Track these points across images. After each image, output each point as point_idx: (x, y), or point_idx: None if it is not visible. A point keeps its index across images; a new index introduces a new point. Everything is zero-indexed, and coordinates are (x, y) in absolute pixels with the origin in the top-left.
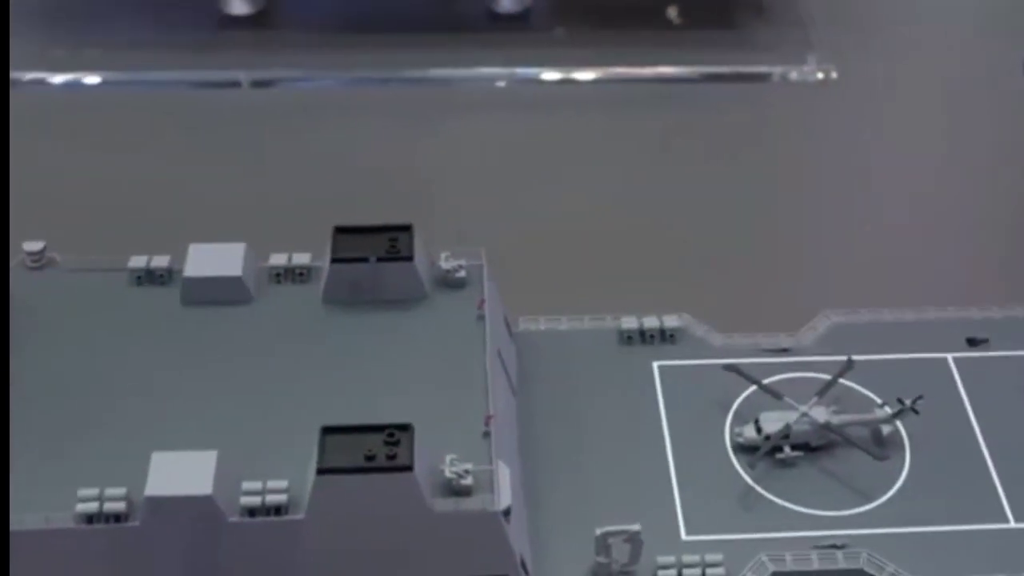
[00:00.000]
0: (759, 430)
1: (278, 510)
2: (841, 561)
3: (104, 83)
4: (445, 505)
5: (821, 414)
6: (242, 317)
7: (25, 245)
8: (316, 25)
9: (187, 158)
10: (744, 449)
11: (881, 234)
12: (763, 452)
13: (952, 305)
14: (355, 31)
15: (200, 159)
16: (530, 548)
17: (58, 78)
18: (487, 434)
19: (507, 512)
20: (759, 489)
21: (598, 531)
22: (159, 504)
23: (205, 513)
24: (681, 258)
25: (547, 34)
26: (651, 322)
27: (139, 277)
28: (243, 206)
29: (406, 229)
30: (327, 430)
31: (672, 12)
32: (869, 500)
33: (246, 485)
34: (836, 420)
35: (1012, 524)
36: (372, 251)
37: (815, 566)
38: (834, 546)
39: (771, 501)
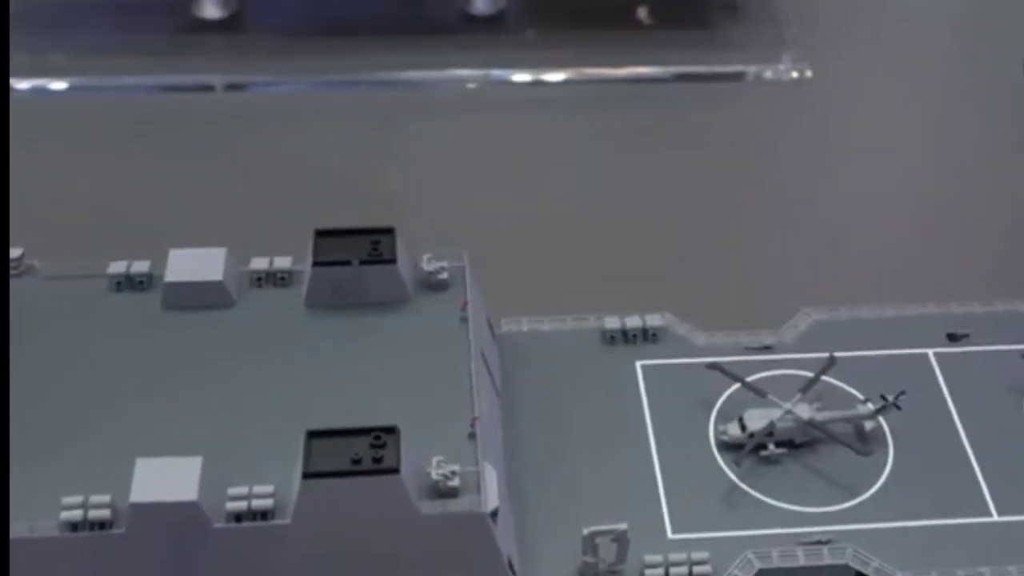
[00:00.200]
0: (743, 428)
1: (264, 515)
2: (827, 557)
3: (72, 88)
4: (432, 507)
5: (805, 411)
6: (224, 322)
7: None
8: (290, 28)
9: (163, 163)
10: (729, 447)
11: (860, 231)
12: (748, 450)
13: (932, 301)
14: (330, 34)
15: (176, 164)
16: (517, 549)
17: (24, 84)
18: (473, 435)
19: (494, 513)
20: (744, 487)
21: (585, 531)
22: (144, 511)
23: (191, 519)
24: (661, 258)
25: (522, 36)
26: (634, 322)
27: (119, 283)
28: (221, 210)
29: (388, 232)
30: (312, 434)
31: (643, 12)
32: (854, 496)
33: (232, 490)
34: (820, 417)
35: (995, 518)
36: (354, 254)
37: (801, 562)
38: (819, 542)
39: (756, 498)
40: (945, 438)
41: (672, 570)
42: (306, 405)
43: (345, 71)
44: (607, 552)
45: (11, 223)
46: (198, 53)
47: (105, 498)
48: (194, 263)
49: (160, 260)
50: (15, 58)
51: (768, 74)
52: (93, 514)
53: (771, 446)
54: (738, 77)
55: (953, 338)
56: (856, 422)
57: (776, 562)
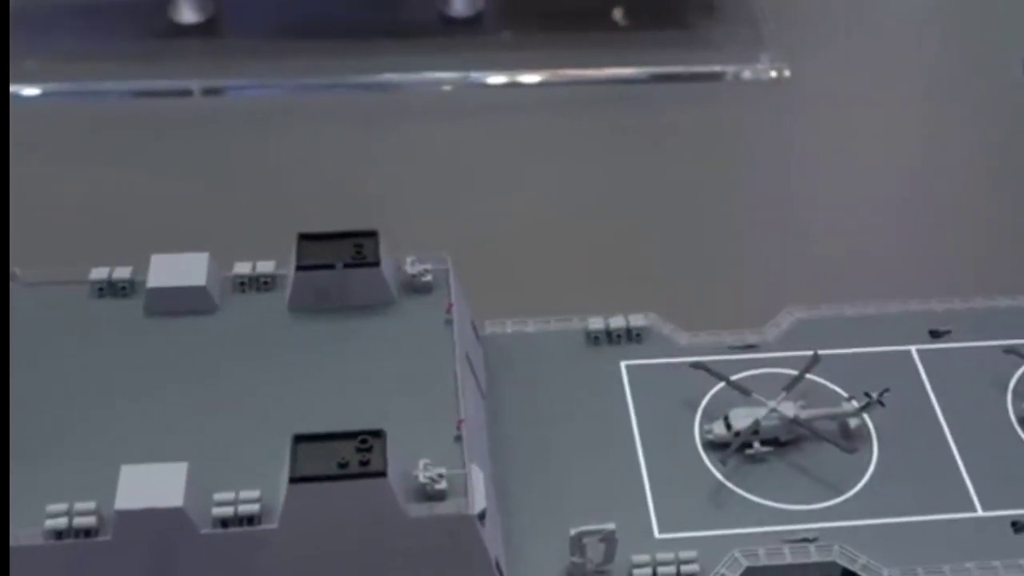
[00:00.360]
0: (728, 427)
1: (251, 520)
2: (814, 554)
3: (47, 94)
4: (419, 510)
5: (789, 409)
6: (207, 327)
7: None
8: (268, 32)
9: (142, 169)
10: (714, 446)
11: (841, 230)
12: (733, 448)
13: (914, 298)
14: (308, 37)
15: (155, 169)
16: (505, 550)
17: None
18: (459, 438)
19: (482, 515)
20: (730, 485)
21: (573, 531)
22: (130, 517)
23: (177, 525)
24: (643, 258)
25: (500, 38)
26: (617, 322)
27: (101, 289)
28: (202, 216)
29: (371, 235)
30: (298, 438)
31: (618, 14)
32: (839, 493)
33: (217, 496)
34: (804, 414)
35: (980, 512)
36: (338, 257)
37: (788, 560)
38: (806, 540)
39: (743, 497)
40: (929, 434)
41: (660, 570)
42: (291, 409)
43: (324, 74)
44: (595, 552)
45: None
46: (175, 58)
47: (90, 505)
48: (176, 268)
49: (142, 266)
50: None
51: (747, 74)
52: (78, 522)
53: (756, 444)
54: (716, 77)
55: (935, 335)
56: (841, 419)
57: (763, 560)
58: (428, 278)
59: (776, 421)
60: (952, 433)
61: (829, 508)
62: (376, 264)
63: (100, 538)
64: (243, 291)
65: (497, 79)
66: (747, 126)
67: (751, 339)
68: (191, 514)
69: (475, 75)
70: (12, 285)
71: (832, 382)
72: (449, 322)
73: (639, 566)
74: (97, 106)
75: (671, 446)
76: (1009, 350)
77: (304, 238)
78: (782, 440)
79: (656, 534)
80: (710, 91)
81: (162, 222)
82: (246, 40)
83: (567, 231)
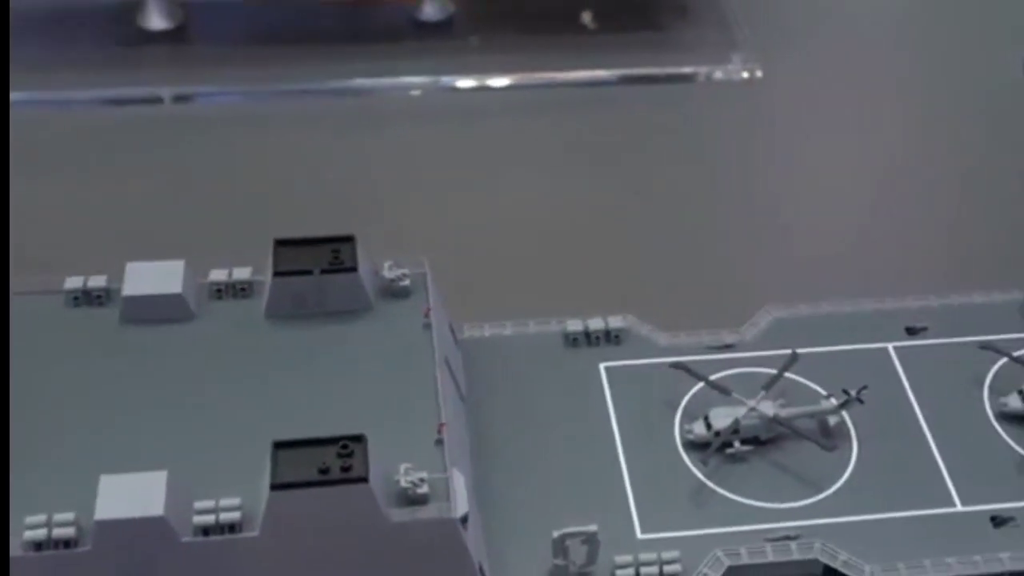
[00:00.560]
0: (709, 426)
1: (232, 528)
2: (795, 552)
3: (15, 103)
4: (402, 515)
5: (769, 408)
6: (184, 334)
7: None
8: (239, 38)
9: (114, 176)
10: (695, 446)
11: (816, 229)
12: (714, 448)
13: (890, 296)
14: (279, 43)
15: (127, 177)
16: (487, 554)
17: None
18: (440, 442)
19: (464, 519)
20: (711, 485)
21: (555, 533)
22: (110, 528)
23: (157, 534)
24: (620, 260)
25: (471, 42)
26: (596, 324)
27: (76, 298)
28: (177, 223)
29: (348, 240)
30: (279, 445)
31: (586, 17)
32: (820, 490)
33: (198, 504)
34: (784, 413)
35: (959, 508)
36: (315, 263)
37: (770, 558)
38: (787, 538)
39: (724, 496)
40: (907, 430)
41: (642, 570)
42: (271, 416)
43: (295, 80)
44: (577, 554)
45: None
46: (145, 65)
47: (69, 516)
48: (152, 276)
49: (117, 274)
50: None
51: (719, 75)
52: (57, 532)
53: (737, 444)
54: (689, 78)
55: (912, 332)
56: (820, 417)
57: (745, 559)
58: (406, 283)
59: (756, 420)
60: (930, 429)
61: (810, 506)
62: (353, 269)
63: (80, 549)
64: (220, 298)
65: (468, 83)
66: (720, 127)
67: (729, 339)
68: (172, 523)
69: (446, 79)
70: None
71: (811, 380)
72: (427, 326)
73: (622, 567)
74: (67, 115)
75: (652, 447)
76: (985, 346)
77: (280, 244)
78: (762, 439)
79: (638, 535)
80: (682, 92)
81: (136, 230)
82: (217, 47)
83: (543, 234)
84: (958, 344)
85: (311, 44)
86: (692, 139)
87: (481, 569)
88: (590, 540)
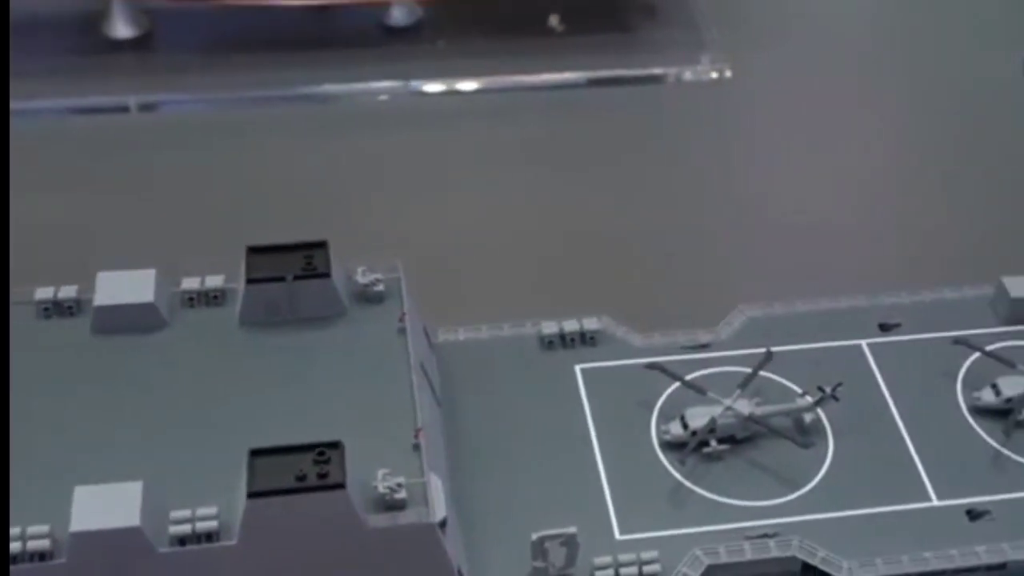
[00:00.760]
0: (685, 426)
1: (209, 537)
2: (774, 550)
3: None
4: (380, 520)
5: (745, 406)
6: (157, 344)
7: None
8: (205, 45)
9: (83, 186)
10: (672, 446)
11: (788, 227)
12: (691, 448)
13: (862, 293)
14: (245, 49)
15: (96, 186)
16: (466, 557)
17: None
18: (417, 447)
19: (443, 523)
20: (689, 484)
21: (534, 536)
22: (85, 539)
23: (134, 545)
24: (593, 261)
25: (439, 46)
26: (571, 326)
27: (47, 309)
28: (148, 232)
29: (321, 246)
30: (255, 452)
31: (554, 20)
32: (796, 488)
33: (174, 514)
34: (760, 411)
35: (935, 502)
36: (288, 269)
37: (748, 556)
38: (766, 535)
39: (701, 495)
40: (882, 426)
41: (622, 571)
42: (246, 424)
43: (263, 86)
44: (556, 556)
45: None
46: (111, 73)
47: (44, 528)
48: (123, 286)
49: (87, 284)
50: None
51: (688, 75)
52: (32, 545)
53: (713, 443)
54: (658, 79)
55: (885, 328)
56: (795, 415)
57: (724, 558)
58: (380, 288)
59: (732, 419)
60: (905, 424)
61: (787, 503)
62: (327, 275)
63: (55, 561)
64: (192, 307)
65: (436, 87)
66: (690, 127)
67: (704, 339)
68: (148, 533)
69: (414, 84)
70: None
71: (786, 378)
72: (402, 331)
73: (601, 568)
74: (33, 124)
75: (629, 447)
76: (958, 341)
77: (253, 251)
78: (739, 438)
79: (617, 535)
80: (652, 94)
81: (106, 239)
82: (183, 54)
83: (515, 236)
84: (931, 340)
85: (279, 50)
86: (662, 140)
87: (460, 573)
88: (569, 542)
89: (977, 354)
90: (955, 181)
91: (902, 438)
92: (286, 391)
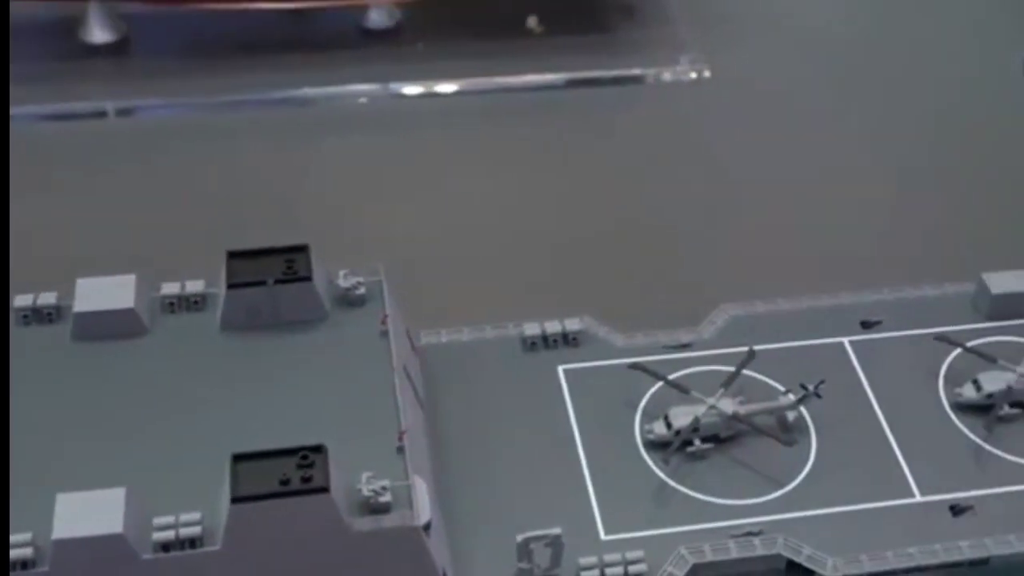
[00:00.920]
0: (669, 426)
1: (193, 543)
2: (759, 548)
3: None
4: (364, 524)
5: (728, 405)
6: (138, 349)
7: None
8: (182, 50)
9: (61, 192)
10: (656, 445)
11: (770, 226)
12: (675, 447)
13: (844, 291)
14: (223, 53)
15: (75, 192)
16: (451, 560)
17: None
18: (401, 449)
19: (427, 526)
20: (673, 484)
21: (519, 537)
22: (68, 547)
23: (117, 552)
24: (575, 262)
25: (418, 48)
26: (553, 327)
27: (26, 316)
28: (127, 237)
29: (302, 249)
30: (238, 457)
31: (532, 22)
32: (781, 486)
33: (157, 520)
34: (743, 410)
35: (918, 498)
36: (269, 274)
37: (734, 555)
38: (750, 533)
39: (686, 494)
40: (865, 423)
41: (607, 571)
42: (229, 429)
43: (242, 90)
44: (541, 557)
45: None
46: (88, 79)
47: (26, 536)
48: (103, 292)
49: (67, 291)
50: None
51: (667, 76)
52: (15, 554)
53: (697, 442)
54: (637, 80)
55: (867, 325)
56: (779, 413)
57: (709, 556)
58: (361, 291)
59: (715, 418)
60: (888, 421)
61: (772, 501)
62: (308, 279)
63: (38, 569)
64: (173, 312)
65: (415, 89)
66: (670, 127)
67: (687, 338)
68: (131, 540)
69: (393, 86)
70: None
71: (768, 377)
72: (385, 334)
73: (587, 568)
74: (10, 130)
75: (613, 448)
76: (939, 337)
77: (233, 256)
78: (722, 436)
79: (602, 536)
80: (632, 94)
81: (85, 245)
82: (161, 59)
83: (497, 238)
84: (912, 336)
85: (257, 54)
86: (643, 140)
87: (445, 575)
88: (554, 543)
89: (958, 350)
90: (936, 179)
91: (885, 435)
92: (268, 395)
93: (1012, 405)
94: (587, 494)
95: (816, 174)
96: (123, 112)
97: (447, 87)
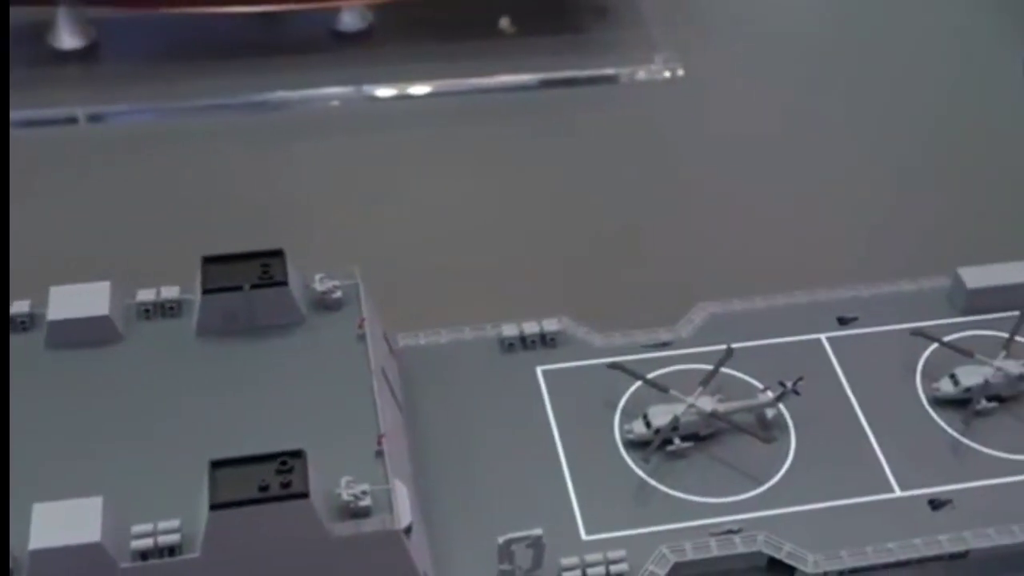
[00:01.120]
0: (648, 425)
1: (172, 551)
2: (739, 545)
3: None
4: (344, 528)
5: (707, 403)
6: (114, 357)
7: None
8: (153, 54)
9: (31, 199)
10: (635, 445)
11: (746, 224)
12: (654, 446)
13: (820, 287)
14: (194, 58)
15: (46, 199)
16: (432, 563)
17: None
18: (380, 453)
19: (408, 530)
20: (653, 483)
21: (500, 539)
22: (45, 557)
23: (95, 562)
24: (551, 263)
25: (391, 50)
26: (531, 328)
27: None
28: (100, 244)
29: (277, 254)
30: (216, 464)
31: (504, 23)
32: (761, 483)
33: (136, 528)
34: (722, 408)
35: (898, 493)
36: (244, 279)
37: (715, 553)
38: (731, 531)
39: (666, 493)
40: (844, 419)
41: (589, 571)
42: (206, 435)
43: (213, 95)
44: (523, 558)
45: None
46: (57, 85)
47: None
48: (77, 299)
49: (40, 299)
50: None
51: (641, 75)
52: None
53: (677, 440)
54: (611, 79)
55: (843, 321)
56: (757, 411)
57: (690, 555)
58: (338, 294)
59: (695, 416)
60: (866, 417)
61: (752, 499)
62: (284, 283)
63: None
64: (148, 318)
65: (388, 92)
66: (645, 126)
67: (665, 337)
68: (109, 549)
69: (366, 89)
70: None
71: (747, 374)
72: (362, 337)
73: (568, 569)
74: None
75: (592, 447)
76: (916, 332)
77: (208, 261)
78: (702, 435)
79: (583, 536)
80: (606, 94)
81: (58, 253)
82: (131, 64)
83: (472, 239)
84: (889, 332)
85: (228, 58)
86: (618, 140)
87: None
88: (535, 544)
89: (935, 345)
90: (911, 175)
91: (863, 430)
92: (246, 401)
93: (989, 399)
94: (567, 495)
95: (791, 172)
96: (94, 118)
97: (420, 89)
